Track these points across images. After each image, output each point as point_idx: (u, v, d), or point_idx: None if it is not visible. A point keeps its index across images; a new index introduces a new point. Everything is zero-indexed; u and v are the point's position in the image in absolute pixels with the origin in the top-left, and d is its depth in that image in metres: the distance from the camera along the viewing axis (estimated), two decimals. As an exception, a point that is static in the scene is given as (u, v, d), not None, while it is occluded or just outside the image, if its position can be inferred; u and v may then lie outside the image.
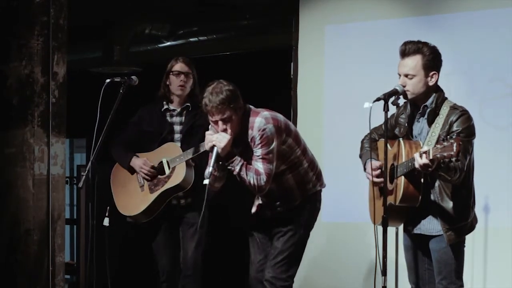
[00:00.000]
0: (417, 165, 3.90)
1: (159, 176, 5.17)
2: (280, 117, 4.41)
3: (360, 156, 4.47)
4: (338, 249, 6.06)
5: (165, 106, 5.27)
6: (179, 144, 5.17)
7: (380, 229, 4.04)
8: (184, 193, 5.16)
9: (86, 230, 6.92)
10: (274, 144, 4.33)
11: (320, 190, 4.59)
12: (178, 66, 5.25)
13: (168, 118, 5.26)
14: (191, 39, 7.61)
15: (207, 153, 4.48)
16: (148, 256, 6.79)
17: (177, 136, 5.21)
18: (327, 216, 6.08)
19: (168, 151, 5.16)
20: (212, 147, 4.32)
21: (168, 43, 7.74)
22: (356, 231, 5.92)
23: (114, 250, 7.06)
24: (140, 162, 5.19)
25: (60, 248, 5.62)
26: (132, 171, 5.26)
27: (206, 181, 4.31)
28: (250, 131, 4.34)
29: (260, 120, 4.33)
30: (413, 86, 4.14)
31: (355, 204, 5.84)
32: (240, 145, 4.37)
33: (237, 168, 4.33)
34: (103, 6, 7.37)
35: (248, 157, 4.35)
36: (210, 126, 4.45)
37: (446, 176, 3.97)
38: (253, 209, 4.61)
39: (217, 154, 4.30)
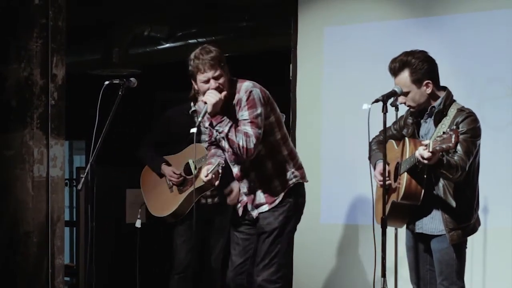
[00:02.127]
0: (417, 154, 3.91)
1: (187, 177, 5.31)
2: (267, 92, 4.41)
3: (369, 158, 4.47)
4: (336, 251, 6.06)
5: (193, 108, 5.36)
6: (206, 145, 5.22)
7: (379, 230, 4.05)
8: (212, 192, 5.29)
9: (85, 232, 6.92)
10: (261, 109, 4.29)
11: (302, 184, 4.50)
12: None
13: (196, 119, 5.31)
14: (190, 41, 7.60)
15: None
16: (145, 256, 6.80)
17: (204, 137, 5.26)
18: (325, 217, 6.08)
19: (193, 152, 5.21)
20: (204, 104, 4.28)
21: (167, 45, 7.74)
22: (355, 232, 5.92)
23: (110, 251, 7.07)
24: (169, 171, 5.36)
25: (59, 250, 5.62)
26: (162, 175, 5.43)
27: (193, 130, 4.32)
28: (237, 95, 4.31)
29: (247, 84, 4.33)
30: (411, 100, 4.18)
31: (353, 206, 5.85)
32: (228, 113, 4.31)
33: (226, 129, 4.26)
34: (102, 8, 7.38)
35: (235, 124, 4.30)
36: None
37: (447, 174, 3.98)
38: (240, 210, 4.53)
39: (206, 111, 4.27)
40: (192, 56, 4.31)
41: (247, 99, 4.27)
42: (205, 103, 4.25)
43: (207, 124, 4.37)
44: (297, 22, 6.37)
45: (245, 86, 4.32)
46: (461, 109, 4.14)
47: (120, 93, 4.71)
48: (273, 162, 4.40)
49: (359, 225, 5.84)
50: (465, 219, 4.14)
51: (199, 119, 4.28)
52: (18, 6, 5.54)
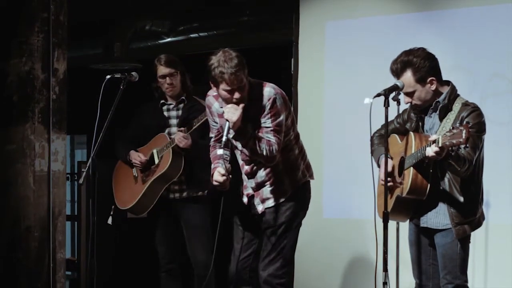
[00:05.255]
0: (426, 154, 3.90)
1: (151, 167, 5.28)
2: (285, 94, 4.38)
3: (372, 152, 4.46)
4: (339, 245, 6.06)
5: (162, 100, 5.36)
6: (172, 136, 5.23)
7: (380, 224, 4.04)
8: (180, 186, 5.24)
9: (86, 226, 6.93)
10: (283, 116, 4.27)
11: (309, 181, 4.52)
12: (161, 70, 5.27)
13: (165, 112, 5.34)
14: (191, 35, 7.60)
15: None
16: (146, 250, 6.80)
17: (174, 129, 5.26)
18: (328, 212, 6.09)
19: (157, 142, 5.25)
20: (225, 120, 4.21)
21: (169, 39, 7.73)
22: (357, 227, 5.92)
23: (111, 246, 7.08)
24: (134, 155, 5.30)
25: (60, 245, 5.63)
26: (131, 165, 5.37)
27: (220, 151, 4.29)
28: (260, 101, 4.25)
29: (270, 90, 4.27)
30: (418, 99, 4.18)
31: (356, 200, 5.85)
32: (248, 116, 4.27)
33: (250, 141, 4.22)
34: (103, 2, 7.37)
35: (256, 128, 4.26)
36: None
37: (455, 166, 3.97)
38: (245, 200, 4.52)
39: (229, 127, 4.20)
40: (214, 62, 4.16)
41: (270, 107, 4.24)
42: (227, 120, 4.19)
43: (230, 136, 4.27)
44: (299, 16, 6.37)
45: (267, 93, 4.26)
46: (466, 104, 4.14)
47: (121, 87, 4.72)
48: (284, 159, 4.38)
49: (362, 220, 5.83)
50: (470, 213, 4.16)
51: (224, 138, 4.20)
52: (19, 0, 5.53)
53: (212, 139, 4.57)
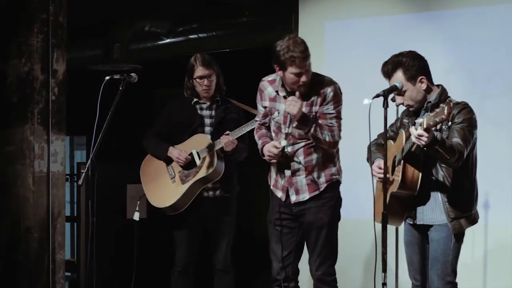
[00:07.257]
0: (413, 138, 3.94)
1: (193, 168, 5.22)
2: None
3: (368, 159, 4.50)
4: (339, 246, 6.05)
5: (195, 99, 5.30)
6: (209, 137, 5.20)
7: (379, 225, 4.05)
8: (214, 185, 5.22)
9: (86, 227, 6.94)
10: (341, 105, 4.53)
11: (340, 182, 4.66)
12: (200, 71, 5.22)
13: (198, 111, 5.29)
14: (191, 36, 7.60)
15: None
16: (146, 251, 6.79)
17: (208, 129, 5.25)
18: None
19: (197, 142, 5.20)
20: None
21: (168, 40, 7.73)
22: (356, 227, 5.92)
23: (111, 247, 7.07)
24: (176, 152, 5.22)
25: (60, 246, 5.64)
26: (167, 162, 5.30)
27: (283, 142, 4.45)
28: (321, 88, 4.48)
29: (331, 80, 4.54)
30: (409, 99, 4.23)
31: (355, 201, 5.84)
32: (309, 103, 4.48)
33: (312, 129, 4.41)
34: (103, 3, 7.38)
35: (315, 114, 4.47)
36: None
37: (445, 154, 3.99)
38: (279, 194, 4.60)
39: (290, 119, 4.42)
40: (283, 46, 4.39)
41: (334, 95, 4.49)
42: (288, 113, 4.39)
43: (294, 125, 4.45)
44: (298, 17, 6.38)
45: (329, 82, 4.51)
46: (457, 103, 4.19)
47: (120, 88, 4.71)
48: (323, 154, 4.53)
49: (361, 220, 5.81)
50: (466, 209, 4.20)
51: (286, 129, 4.44)
52: (19, 1, 5.54)
53: (258, 122, 4.74)
